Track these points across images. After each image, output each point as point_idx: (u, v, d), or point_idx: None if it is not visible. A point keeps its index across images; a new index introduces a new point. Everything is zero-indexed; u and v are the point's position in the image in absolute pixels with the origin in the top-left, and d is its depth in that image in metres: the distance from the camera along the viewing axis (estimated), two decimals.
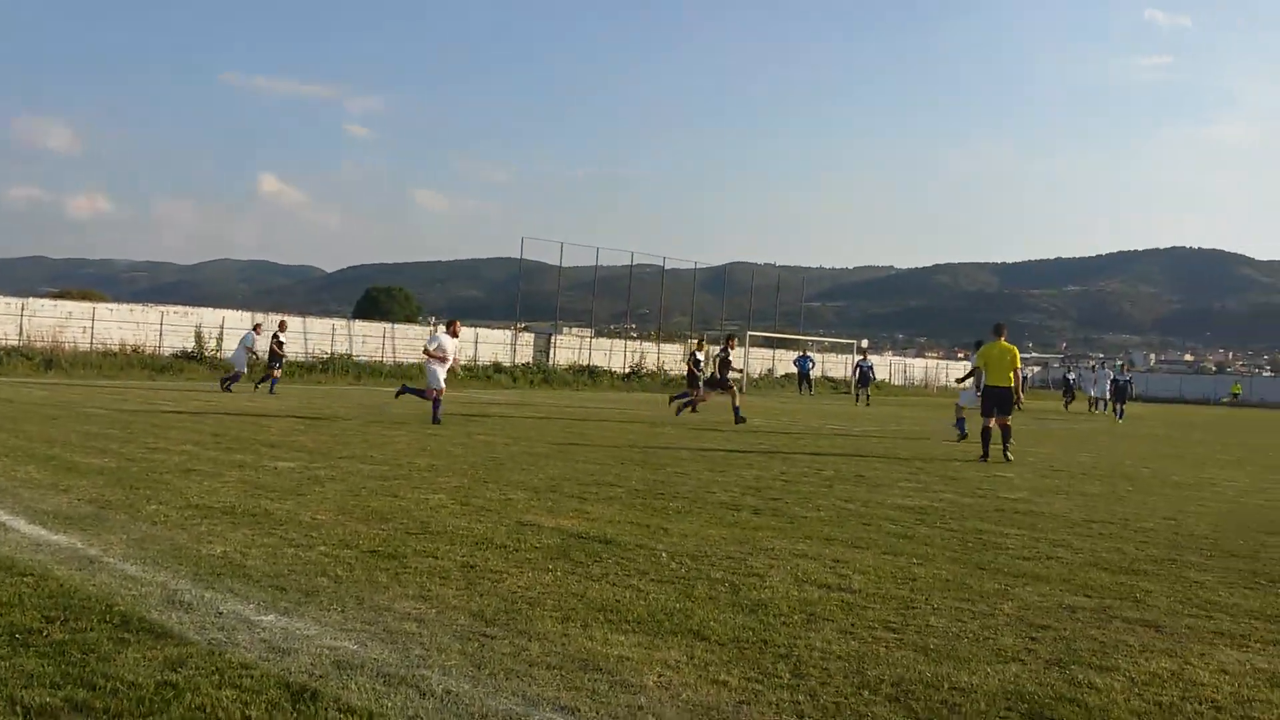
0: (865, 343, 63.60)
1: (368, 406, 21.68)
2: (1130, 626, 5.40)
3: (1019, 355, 15.53)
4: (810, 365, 48.93)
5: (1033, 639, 5.03)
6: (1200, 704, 4.15)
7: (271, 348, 26.09)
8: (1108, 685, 4.32)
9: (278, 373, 25.94)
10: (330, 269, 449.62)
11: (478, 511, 8.20)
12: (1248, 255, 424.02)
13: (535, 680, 4.05)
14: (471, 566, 6.09)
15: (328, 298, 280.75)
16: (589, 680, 4.08)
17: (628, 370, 48.02)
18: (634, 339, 55.74)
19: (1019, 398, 15.46)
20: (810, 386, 47.12)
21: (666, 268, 57.44)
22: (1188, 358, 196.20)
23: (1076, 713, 3.95)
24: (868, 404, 38.10)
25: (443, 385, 17.90)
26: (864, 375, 40.36)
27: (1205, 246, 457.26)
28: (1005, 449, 15.07)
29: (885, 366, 65.84)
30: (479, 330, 46.35)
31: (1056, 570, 6.86)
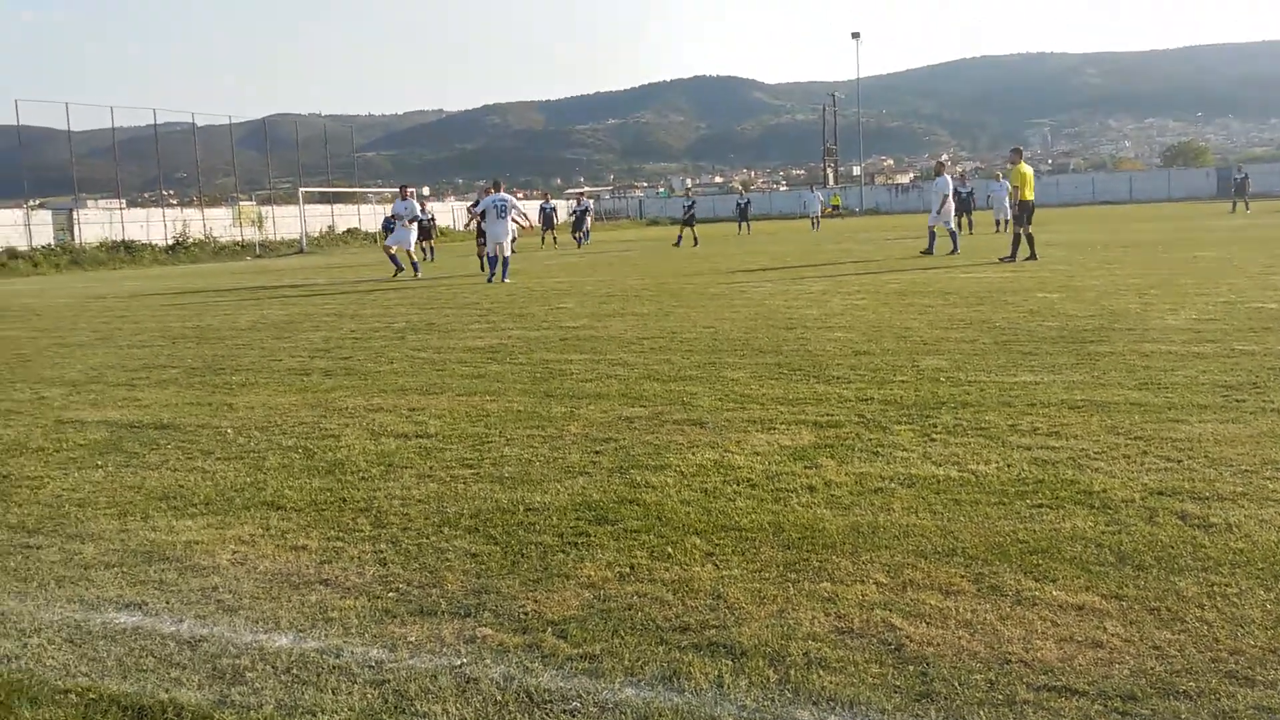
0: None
1: None
2: (679, 427, 5.98)
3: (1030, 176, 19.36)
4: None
5: (597, 452, 5.42)
6: (738, 484, 4.71)
7: None
8: (661, 482, 4.78)
9: None
10: None
11: (3, 416, 7.31)
12: (759, 80, 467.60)
13: (93, 583, 3.75)
14: (3, 477, 5.46)
15: None
16: (155, 571, 3.85)
17: (171, 242, 44.05)
18: (174, 206, 51.08)
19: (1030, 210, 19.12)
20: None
21: (198, 125, 52.72)
22: (717, 179, 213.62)
23: (636, 511, 4.35)
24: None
25: None
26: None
27: (722, 74, 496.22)
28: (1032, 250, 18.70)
29: (448, 213, 65.62)
30: None
31: (615, 387, 7.39)
